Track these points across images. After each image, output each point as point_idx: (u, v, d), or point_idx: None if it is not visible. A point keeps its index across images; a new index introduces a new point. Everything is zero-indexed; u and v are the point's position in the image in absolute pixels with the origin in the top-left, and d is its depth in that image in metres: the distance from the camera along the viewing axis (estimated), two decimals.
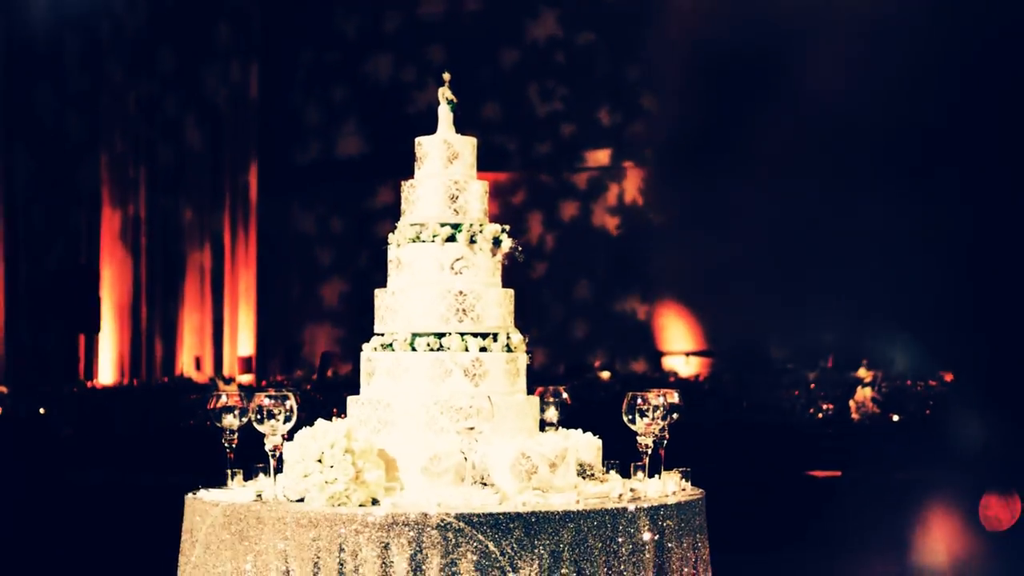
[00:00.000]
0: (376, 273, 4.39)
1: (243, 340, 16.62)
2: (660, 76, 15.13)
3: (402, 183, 4.28)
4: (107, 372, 14.47)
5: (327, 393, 9.72)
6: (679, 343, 15.95)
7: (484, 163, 4.33)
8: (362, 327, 4.44)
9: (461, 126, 4.32)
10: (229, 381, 12.68)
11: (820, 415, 8.09)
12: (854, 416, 7.83)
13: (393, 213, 4.30)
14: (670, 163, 15.56)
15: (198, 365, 15.63)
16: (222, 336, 16.30)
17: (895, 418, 7.77)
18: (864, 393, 7.84)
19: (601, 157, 16.74)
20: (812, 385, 9.22)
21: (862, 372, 9.28)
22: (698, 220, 13.73)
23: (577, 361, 15.38)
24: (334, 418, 3.93)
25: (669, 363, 15.73)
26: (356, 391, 4.18)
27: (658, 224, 16.18)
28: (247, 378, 15.06)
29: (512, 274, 4.27)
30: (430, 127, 4.29)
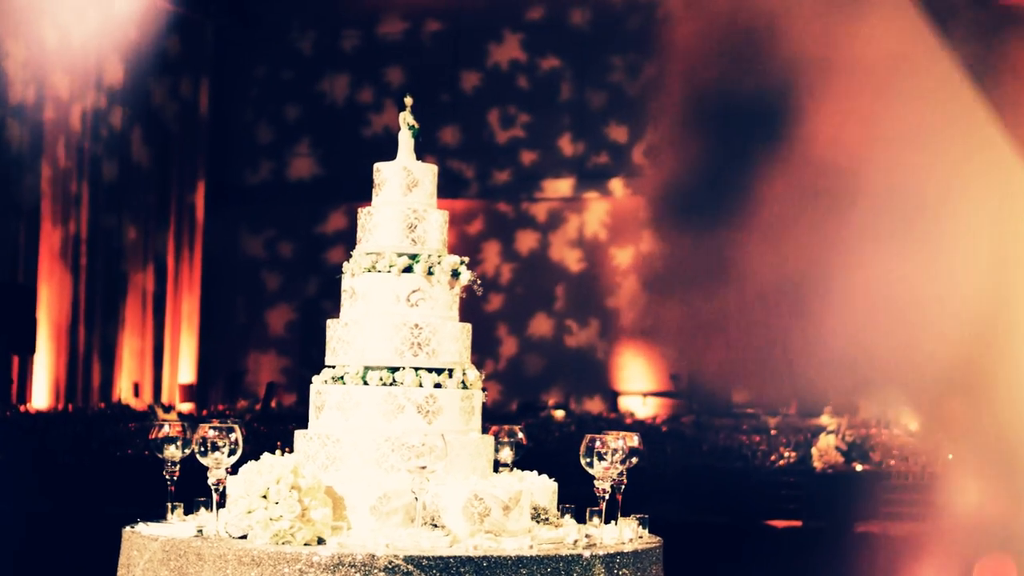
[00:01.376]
0: (325, 301, 4.28)
1: (184, 367, 16.32)
2: (647, 115, 15.15)
3: (359, 210, 4.18)
4: (42, 396, 14.15)
5: (271, 424, 9.55)
6: (637, 383, 15.88)
7: (440, 190, 4.24)
8: (309, 357, 4.31)
9: (418, 151, 4.22)
10: (169, 409, 12.43)
11: (782, 462, 8.01)
12: (816, 464, 7.76)
13: (345, 239, 4.18)
14: (638, 200, 15.61)
15: (137, 391, 15.33)
16: (162, 362, 16.00)
17: (858, 468, 7.73)
18: (827, 441, 7.78)
19: (562, 188, 16.64)
20: (773, 431, 9.15)
21: (825, 419, 9.20)
22: (662, 258, 13.73)
23: (531, 398, 15.25)
24: (278, 451, 3.83)
25: (626, 403, 15.63)
26: (301, 423, 4.07)
27: (619, 261, 16.16)
28: (187, 406, 14.79)
29: (466, 305, 4.17)
30: (386, 151, 4.19)
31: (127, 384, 15.38)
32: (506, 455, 4.20)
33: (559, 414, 13.20)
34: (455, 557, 3.38)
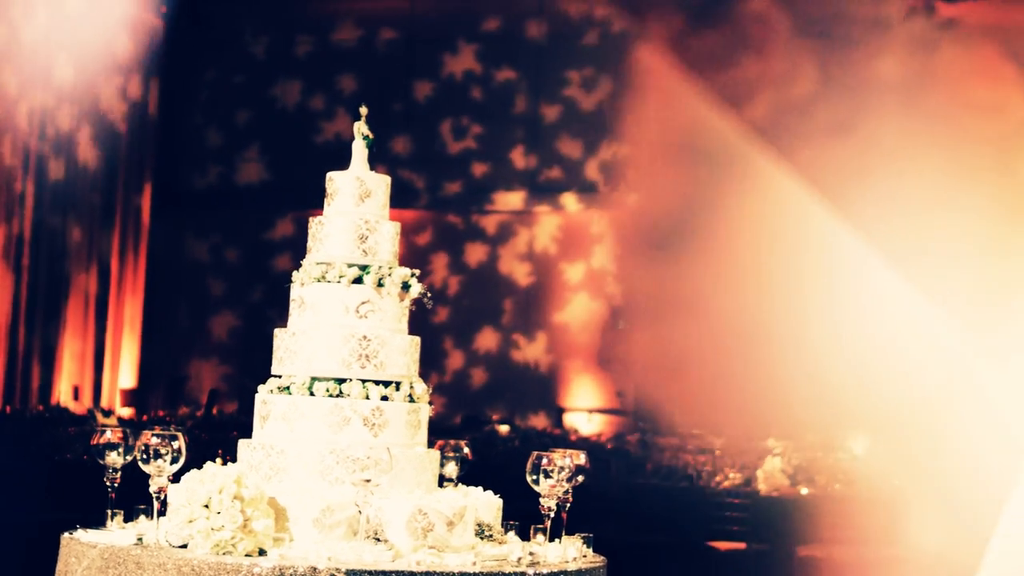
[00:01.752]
0: (270, 308, 4.24)
1: (125, 371, 16.09)
2: (601, 131, 15.19)
3: (310, 219, 4.14)
4: None
5: (213, 432, 9.47)
6: (582, 399, 15.87)
7: (390, 199, 4.22)
8: (251, 364, 4.27)
9: (370, 161, 4.20)
10: (109, 413, 12.28)
11: (727, 483, 8.02)
12: (761, 487, 7.79)
13: (292, 246, 4.16)
14: (590, 216, 15.67)
15: (76, 395, 15.08)
16: (103, 365, 15.76)
17: (803, 491, 7.76)
18: (773, 464, 7.81)
19: (513, 201, 16.58)
20: (719, 452, 9.17)
21: (771, 442, 9.23)
22: (613, 275, 13.79)
23: (475, 412, 15.14)
24: (219, 459, 3.79)
25: (570, 420, 15.59)
26: (242, 431, 4.03)
27: (568, 276, 16.17)
28: (127, 411, 14.59)
29: (412, 317, 4.15)
30: (336, 158, 4.16)
31: (67, 387, 15.13)
32: (451, 470, 4.19)
33: (503, 429, 13.11)
34: (397, 572, 3.36)
